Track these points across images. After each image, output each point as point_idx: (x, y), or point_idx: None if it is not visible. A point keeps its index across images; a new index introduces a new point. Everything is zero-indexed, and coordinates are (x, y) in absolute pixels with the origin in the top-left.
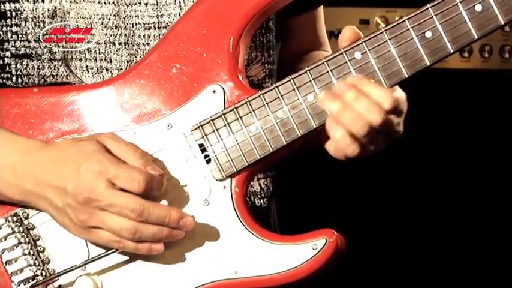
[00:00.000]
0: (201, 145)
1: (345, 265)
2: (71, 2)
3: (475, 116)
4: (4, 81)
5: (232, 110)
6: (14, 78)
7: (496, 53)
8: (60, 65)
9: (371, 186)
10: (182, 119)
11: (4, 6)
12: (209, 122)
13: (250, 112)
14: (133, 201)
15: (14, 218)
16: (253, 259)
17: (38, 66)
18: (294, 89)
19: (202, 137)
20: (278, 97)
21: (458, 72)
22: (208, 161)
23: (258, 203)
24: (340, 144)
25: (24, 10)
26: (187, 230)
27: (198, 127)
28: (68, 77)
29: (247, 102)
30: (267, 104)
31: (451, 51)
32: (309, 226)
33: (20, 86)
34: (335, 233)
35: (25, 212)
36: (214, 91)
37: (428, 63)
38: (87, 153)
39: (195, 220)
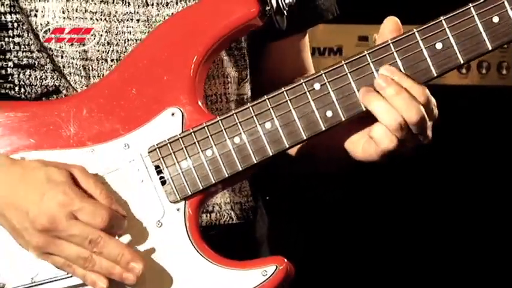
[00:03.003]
0: (157, 167)
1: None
2: (64, 18)
3: (473, 131)
4: (7, 91)
5: (190, 133)
6: (16, 89)
7: (493, 70)
8: (62, 76)
9: (370, 197)
10: (139, 140)
11: (5, 18)
12: (166, 144)
13: (208, 137)
14: (92, 232)
15: None
16: (203, 283)
17: (41, 77)
18: (252, 116)
19: (159, 158)
20: (236, 123)
21: (456, 88)
22: (163, 183)
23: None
24: (381, 136)
25: (25, 21)
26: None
27: (155, 149)
28: (68, 89)
29: (206, 127)
30: (224, 129)
31: None
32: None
33: (23, 96)
34: (285, 260)
35: None
36: (173, 114)
37: None
38: (54, 182)
39: (142, 269)
